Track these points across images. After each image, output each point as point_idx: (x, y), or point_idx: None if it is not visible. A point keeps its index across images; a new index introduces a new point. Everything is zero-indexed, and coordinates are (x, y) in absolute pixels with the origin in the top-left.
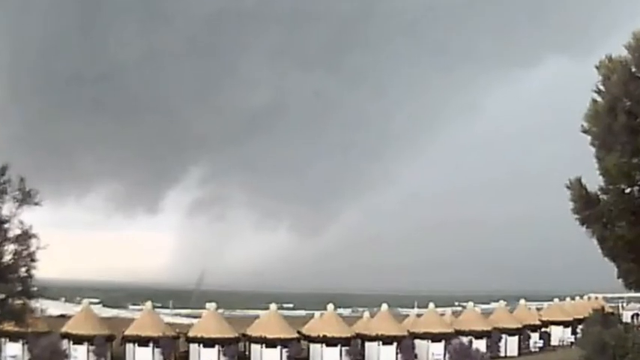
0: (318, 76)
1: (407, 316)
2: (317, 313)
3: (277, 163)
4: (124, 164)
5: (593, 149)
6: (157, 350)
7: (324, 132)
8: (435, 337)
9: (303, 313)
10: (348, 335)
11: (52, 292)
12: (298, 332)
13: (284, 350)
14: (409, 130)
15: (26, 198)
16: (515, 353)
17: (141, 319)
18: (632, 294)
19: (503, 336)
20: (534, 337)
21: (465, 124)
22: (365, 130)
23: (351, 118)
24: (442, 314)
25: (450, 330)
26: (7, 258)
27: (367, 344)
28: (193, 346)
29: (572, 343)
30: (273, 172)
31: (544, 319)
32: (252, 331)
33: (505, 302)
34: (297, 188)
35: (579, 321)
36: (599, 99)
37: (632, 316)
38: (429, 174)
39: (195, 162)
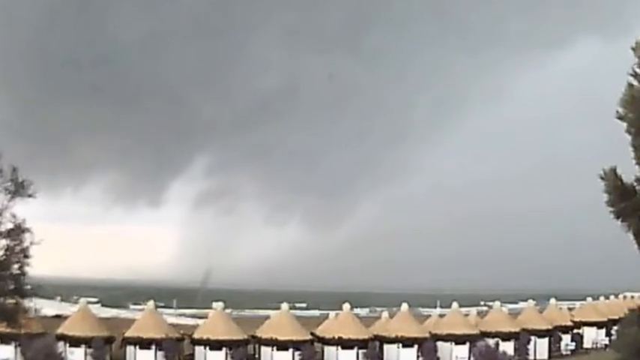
0: (334, 57)
1: (429, 316)
2: (332, 313)
3: (289, 152)
4: (124, 153)
5: (629, 137)
6: (159, 353)
7: (339, 118)
8: (458, 339)
9: (316, 313)
10: (366, 337)
11: (46, 290)
12: (311, 334)
13: (296, 353)
14: (431, 117)
15: (19, 189)
16: (545, 356)
17: (142, 319)
18: None
19: (533, 338)
20: (566, 339)
21: (491, 109)
22: (384, 116)
23: (369, 103)
24: (466, 314)
25: (474, 331)
26: None
27: (386, 347)
28: (199, 349)
29: (606, 345)
30: (285, 162)
31: (576, 319)
32: (263, 332)
33: (534, 301)
34: (310, 179)
35: (614, 322)
36: (635, 83)
37: None
38: (452, 163)
39: (201, 150)
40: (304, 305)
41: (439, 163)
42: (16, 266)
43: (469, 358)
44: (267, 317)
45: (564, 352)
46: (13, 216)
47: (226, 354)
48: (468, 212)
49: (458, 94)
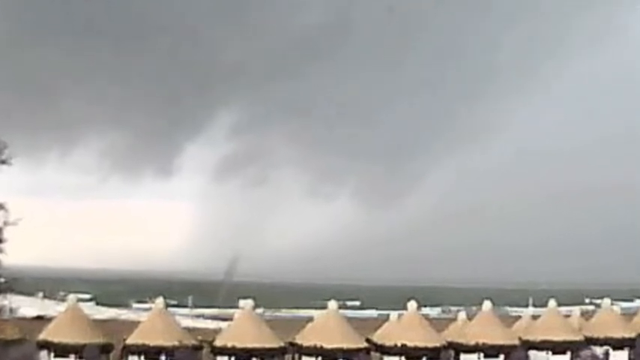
0: None
1: (518, 317)
2: (393, 314)
3: (338, 105)
4: (125, 107)
5: None
6: None
7: (402, 63)
8: (557, 347)
9: (374, 313)
10: (437, 344)
11: (25, 284)
12: (367, 340)
13: None
14: (520, 62)
15: None
16: None
17: (149, 322)
18: None
19: None
20: None
21: (597, 53)
22: (459, 62)
23: (439, 44)
24: (567, 315)
25: (578, 337)
26: None
27: (463, 357)
28: None
29: None
30: (332, 118)
31: None
32: (304, 338)
33: None
34: (365, 140)
35: None
36: None
37: None
38: (545, 123)
39: (224, 103)
40: (357, 304)
41: (528, 123)
42: None
43: None
44: (310, 319)
45: None
46: None
47: None
48: (564, 185)
49: (554, 34)
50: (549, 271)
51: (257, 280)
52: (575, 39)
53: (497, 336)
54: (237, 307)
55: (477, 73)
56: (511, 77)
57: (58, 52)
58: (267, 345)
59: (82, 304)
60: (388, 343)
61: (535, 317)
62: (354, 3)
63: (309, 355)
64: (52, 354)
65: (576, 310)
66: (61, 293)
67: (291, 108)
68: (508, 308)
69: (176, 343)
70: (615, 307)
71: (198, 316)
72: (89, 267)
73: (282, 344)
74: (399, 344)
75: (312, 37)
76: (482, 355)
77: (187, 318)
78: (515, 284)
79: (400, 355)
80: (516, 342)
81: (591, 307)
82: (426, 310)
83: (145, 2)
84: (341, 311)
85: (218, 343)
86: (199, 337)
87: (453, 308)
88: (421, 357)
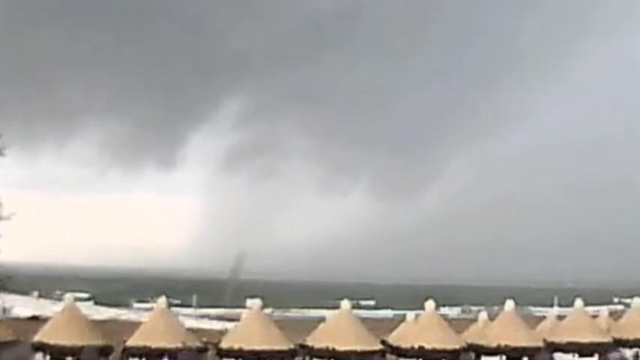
0: None
1: (543, 318)
2: (410, 315)
3: (352, 94)
4: (125, 95)
5: None
6: None
7: (418, 49)
8: (584, 350)
9: (389, 313)
10: (456, 347)
11: (20, 282)
12: (382, 342)
13: None
14: (542, 47)
15: None
16: None
17: (150, 322)
18: None
19: None
20: None
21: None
22: (478, 48)
23: (456, 30)
24: (595, 316)
25: (606, 339)
26: None
27: (484, 359)
28: None
29: None
30: (345, 107)
31: None
32: (315, 340)
33: None
34: (380, 130)
35: None
36: None
37: None
38: (570, 112)
39: (231, 91)
40: (372, 303)
41: (552, 111)
42: None
43: None
44: (322, 320)
45: None
46: None
47: None
48: (591, 177)
49: (577, 18)
50: (575, 269)
51: (265, 278)
52: (599, 24)
53: (520, 337)
54: (244, 306)
55: (497, 60)
56: (533, 64)
57: (55, 37)
58: (276, 347)
59: (79, 304)
60: (404, 345)
61: (560, 318)
62: None
63: (321, 357)
64: (48, 356)
65: (604, 310)
66: (58, 292)
67: (302, 96)
68: (532, 308)
69: (179, 344)
70: None
71: (202, 317)
72: (87, 264)
73: (291, 346)
74: (416, 346)
75: (322, 23)
76: (504, 357)
77: (191, 318)
78: (539, 282)
79: (417, 357)
80: (540, 344)
81: (620, 307)
82: (444, 310)
83: None
84: (354, 311)
85: (224, 345)
86: (204, 339)
87: (474, 308)
88: (440, 359)
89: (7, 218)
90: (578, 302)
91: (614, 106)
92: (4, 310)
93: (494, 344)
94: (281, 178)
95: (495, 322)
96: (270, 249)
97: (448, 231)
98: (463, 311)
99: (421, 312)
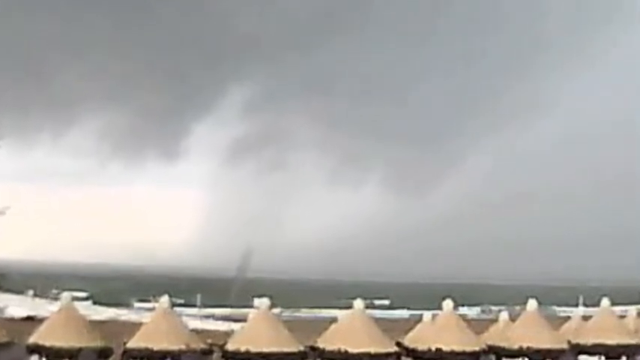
0: None
1: (567, 318)
2: (427, 315)
3: (364, 81)
4: (125, 83)
5: None
6: None
7: (435, 33)
8: (610, 352)
9: (405, 314)
10: (476, 348)
11: (14, 281)
12: (398, 344)
13: None
14: (568, 34)
15: None
16: None
17: (152, 323)
18: None
19: None
20: None
21: None
22: (500, 33)
23: (477, 13)
24: (622, 316)
25: (634, 340)
26: None
27: None
28: None
29: None
30: (357, 95)
31: None
32: (327, 342)
33: None
34: (394, 120)
35: None
36: None
37: None
38: (595, 102)
39: (236, 79)
40: (386, 303)
41: (577, 101)
42: None
43: None
44: (334, 320)
45: None
46: None
47: None
48: (618, 170)
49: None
50: (602, 267)
51: (273, 276)
52: (628, 10)
53: (543, 339)
54: (251, 306)
55: (521, 46)
56: (558, 50)
57: (52, 21)
58: (285, 349)
59: (77, 304)
60: (421, 347)
61: (586, 318)
62: None
63: None
64: (44, 359)
65: (632, 310)
66: (54, 291)
67: (312, 84)
68: (556, 308)
69: (183, 346)
70: None
71: (207, 317)
72: (85, 261)
73: (301, 348)
74: (433, 348)
75: (333, 6)
76: (527, 359)
77: (195, 319)
78: (563, 281)
79: None
80: (565, 346)
81: None
82: (463, 310)
83: None
84: (368, 311)
85: (230, 346)
86: (209, 340)
87: (494, 308)
88: None
89: (2, 213)
90: (605, 302)
91: None
92: None
93: (515, 346)
94: (289, 171)
95: (517, 322)
96: (278, 245)
97: (467, 226)
98: (483, 311)
99: (438, 312)
